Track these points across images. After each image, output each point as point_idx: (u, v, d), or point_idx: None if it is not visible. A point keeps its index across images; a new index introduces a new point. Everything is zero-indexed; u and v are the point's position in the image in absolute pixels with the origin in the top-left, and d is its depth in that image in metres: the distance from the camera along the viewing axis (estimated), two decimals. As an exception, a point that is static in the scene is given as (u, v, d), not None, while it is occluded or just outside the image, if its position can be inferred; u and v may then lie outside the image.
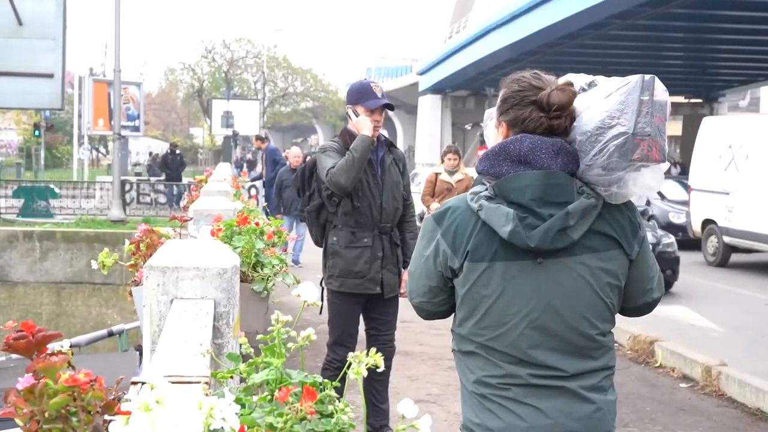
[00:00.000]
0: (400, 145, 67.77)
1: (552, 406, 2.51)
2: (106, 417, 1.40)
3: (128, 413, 1.24)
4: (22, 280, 17.68)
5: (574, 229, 2.45)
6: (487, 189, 2.53)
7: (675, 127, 56.48)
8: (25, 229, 18.44)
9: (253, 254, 3.54)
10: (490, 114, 2.81)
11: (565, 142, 2.53)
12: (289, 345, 1.71)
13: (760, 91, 71.02)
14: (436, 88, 48.76)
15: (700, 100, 48.13)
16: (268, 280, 3.49)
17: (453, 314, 2.70)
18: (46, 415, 1.43)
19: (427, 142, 48.26)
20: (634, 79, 2.51)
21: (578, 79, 2.67)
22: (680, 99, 48.85)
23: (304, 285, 1.83)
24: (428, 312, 2.73)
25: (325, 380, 1.62)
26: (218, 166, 14.73)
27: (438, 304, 2.67)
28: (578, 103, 2.56)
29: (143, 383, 1.31)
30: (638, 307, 2.71)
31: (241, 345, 1.92)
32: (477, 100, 46.89)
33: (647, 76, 2.52)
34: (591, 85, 2.63)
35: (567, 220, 2.44)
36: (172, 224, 4.47)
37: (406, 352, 8.57)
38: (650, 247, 2.67)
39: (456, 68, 42.74)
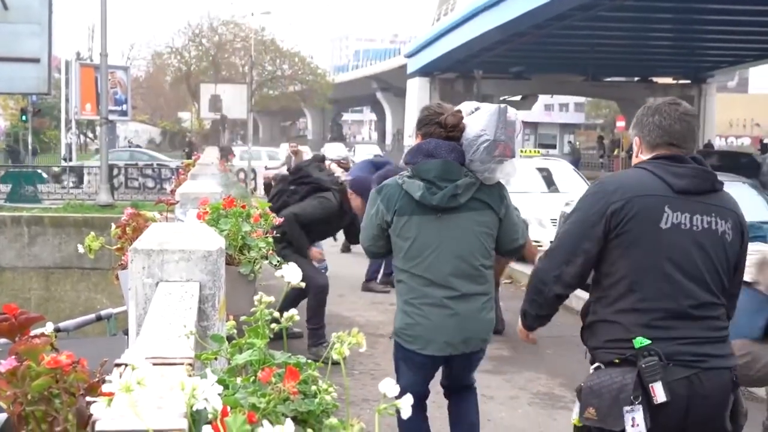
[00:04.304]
0: (389, 128, 67.68)
1: (450, 316, 4.08)
2: (89, 399, 1.40)
3: (110, 395, 1.24)
4: (11, 265, 17.65)
5: (461, 195, 4.02)
6: (408, 172, 4.13)
7: (663, 109, 56.42)
8: (12, 215, 18.40)
9: (240, 237, 3.53)
10: (414, 127, 4.40)
11: (457, 144, 4.11)
12: (273, 326, 1.71)
13: (748, 71, 71.17)
14: (425, 71, 48.62)
15: (688, 81, 48.06)
16: (255, 262, 3.48)
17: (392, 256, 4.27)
18: (29, 397, 1.44)
19: (412, 125, 48.19)
20: (495, 107, 4.13)
21: (468, 106, 4.26)
22: (669, 80, 48.85)
23: (288, 266, 1.83)
24: (373, 252, 4.43)
25: (309, 361, 1.63)
26: (206, 150, 14.66)
27: (379, 246, 4.30)
28: (466, 121, 4.14)
29: (126, 365, 1.31)
30: (510, 250, 4.40)
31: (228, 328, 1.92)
32: (466, 83, 46.76)
33: (502, 106, 4.17)
34: (477, 109, 4.19)
35: (456, 190, 4.01)
36: (159, 208, 4.47)
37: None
38: (514, 210, 4.24)
39: (444, 50, 42.62)
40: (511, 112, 4.11)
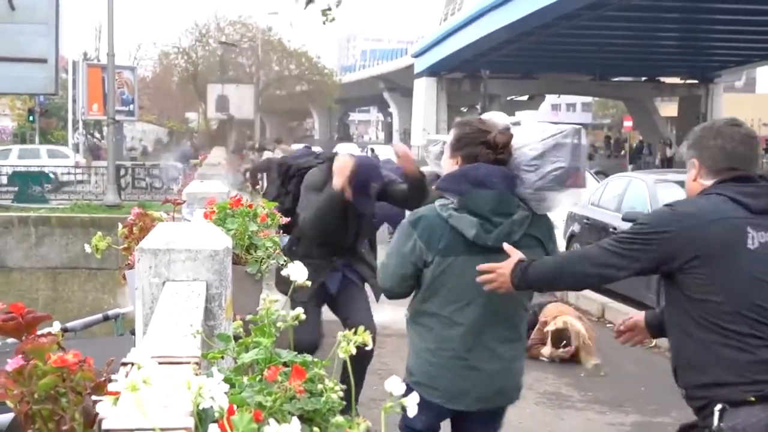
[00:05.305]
0: (396, 128, 67.61)
1: (481, 370, 3.49)
2: (96, 398, 1.40)
3: (117, 393, 1.24)
4: (18, 265, 17.69)
5: (516, 233, 3.39)
6: (452, 202, 3.43)
7: (671, 109, 56.38)
8: (20, 215, 18.44)
9: (247, 236, 3.53)
10: (432, 141, 3.90)
11: (507, 169, 3.44)
12: (279, 324, 1.71)
13: (755, 71, 70.90)
14: (432, 71, 48.62)
15: (696, 81, 47.97)
16: (261, 262, 3.48)
17: (413, 295, 3.60)
18: (36, 396, 1.44)
19: (422, 125, 48.16)
20: (569, 128, 3.47)
21: (505, 119, 3.63)
22: (676, 80, 48.74)
23: (294, 265, 1.83)
24: (396, 293, 3.67)
25: (315, 359, 1.63)
26: (212, 150, 14.68)
27: (405, 287, 3.59)
28: (513, 141, 3.47)
29: (132, 364, 1.31)
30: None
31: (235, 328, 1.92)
32: (472, 83, 46.74)
33: (577, 127, 3.51)
34: (515, 123, 3.59)
35: (512, 227, 3.38)
36: (166, 208, 4.47)
37: (402, 335, 8.58)
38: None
39: (451, 50, 42.64)
40: (583, 133, 3.52)
